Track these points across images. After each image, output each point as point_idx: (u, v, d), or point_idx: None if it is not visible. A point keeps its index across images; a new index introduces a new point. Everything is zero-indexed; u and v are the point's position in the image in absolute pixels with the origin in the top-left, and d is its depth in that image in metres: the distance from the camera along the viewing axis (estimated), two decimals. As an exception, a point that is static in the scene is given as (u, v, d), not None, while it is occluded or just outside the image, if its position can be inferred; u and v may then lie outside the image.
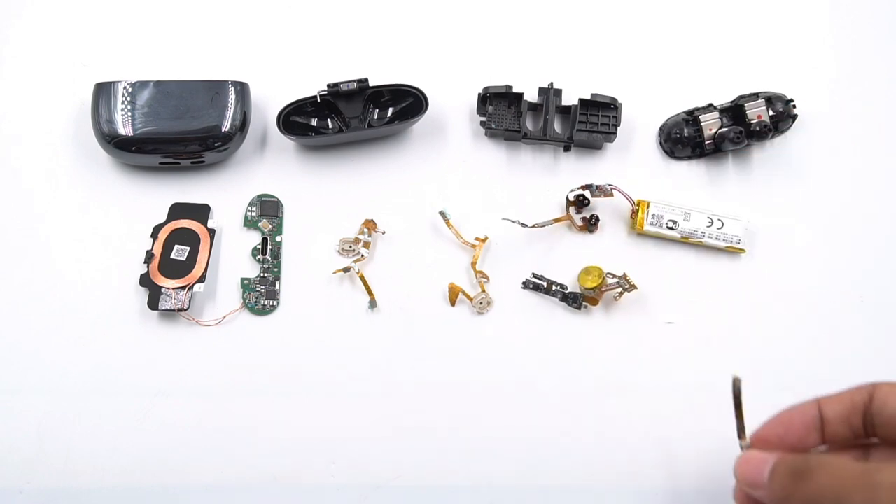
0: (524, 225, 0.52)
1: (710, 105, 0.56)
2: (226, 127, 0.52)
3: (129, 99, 0.52)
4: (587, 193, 0.53)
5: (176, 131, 0.51)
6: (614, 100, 0.55)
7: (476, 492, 0.49)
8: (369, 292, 0.52)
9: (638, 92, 0.57)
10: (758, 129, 0.54)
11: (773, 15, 0.60)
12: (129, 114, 0.51)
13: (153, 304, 0.50)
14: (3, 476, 0.48)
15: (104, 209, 0.53)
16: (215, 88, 0.52)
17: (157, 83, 0.52)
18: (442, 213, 0.53)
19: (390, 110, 0.55)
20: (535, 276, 0.53)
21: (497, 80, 0.55)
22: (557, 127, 0.56)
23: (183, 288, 0.50)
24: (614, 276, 0.51)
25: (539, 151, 0.56)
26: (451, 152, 0.56)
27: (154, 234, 0.52)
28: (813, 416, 0.40)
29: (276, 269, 0.52)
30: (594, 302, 0.52)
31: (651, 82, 0.58)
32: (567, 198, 0.53)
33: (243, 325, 0.51)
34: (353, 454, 0.49)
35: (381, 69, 0.56)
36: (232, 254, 0.53)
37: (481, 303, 0.52)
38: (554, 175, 0.56)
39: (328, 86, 0.53)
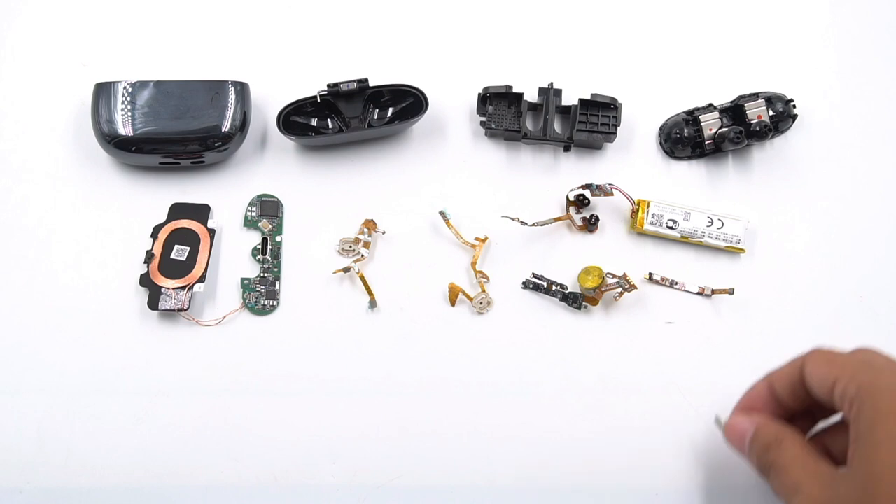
0: (524, 223, 0.52)
1: (710, 105, 0.56)
2: (226, 127, 0.52)
3: (129, 99, 0.52)
4: (587, 193, 0.53)
5: (176, 131, 0.51)
6: (614, 100, 0.55)
7: (476, 492, 0.49)
8: (369, 292, 0.52)
9: (638, 92, 0.57)
10: (758, 129, 0.54)
11: (773, 15, 0.60)
12: (129, 114, 0.51)
13: (153, 304, 0.50)
14: (3, 476, 0.48)
15: (104, 209, 0.53)
16: (215, 88, 0.52)
17: (157, 83, 0.52)
18: (442, 213, 0.53)
19: (390, 110, 0.55)
20: (535, 276, 0.53)
21: (497, 80, 0.55)
22: (557, 127, 0.56)
23: (183, 288, 0.50)
24: (614, 276, 0.51)
25: (539, 151, 0.56)
26: (451, 152, 0.56)
27: (154, 234, 0.52)
28: (767, 395, 0.41)
29: (276, 269, 0.52)
30: (594, 302, 0.52)
31: (651, 82, 0.58)
32: (567, 197, 0.53)
33: (243, 325, 0.51)
34: (353, 454, 0.49)
35: (381, 69, 0.56)
36: (232, 254, 0.53)
37: (481, 303, 0.52)
38: (554, 175, 0.56)
39: (328, 86, 0.53)
